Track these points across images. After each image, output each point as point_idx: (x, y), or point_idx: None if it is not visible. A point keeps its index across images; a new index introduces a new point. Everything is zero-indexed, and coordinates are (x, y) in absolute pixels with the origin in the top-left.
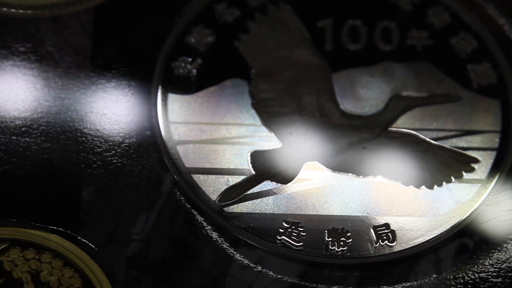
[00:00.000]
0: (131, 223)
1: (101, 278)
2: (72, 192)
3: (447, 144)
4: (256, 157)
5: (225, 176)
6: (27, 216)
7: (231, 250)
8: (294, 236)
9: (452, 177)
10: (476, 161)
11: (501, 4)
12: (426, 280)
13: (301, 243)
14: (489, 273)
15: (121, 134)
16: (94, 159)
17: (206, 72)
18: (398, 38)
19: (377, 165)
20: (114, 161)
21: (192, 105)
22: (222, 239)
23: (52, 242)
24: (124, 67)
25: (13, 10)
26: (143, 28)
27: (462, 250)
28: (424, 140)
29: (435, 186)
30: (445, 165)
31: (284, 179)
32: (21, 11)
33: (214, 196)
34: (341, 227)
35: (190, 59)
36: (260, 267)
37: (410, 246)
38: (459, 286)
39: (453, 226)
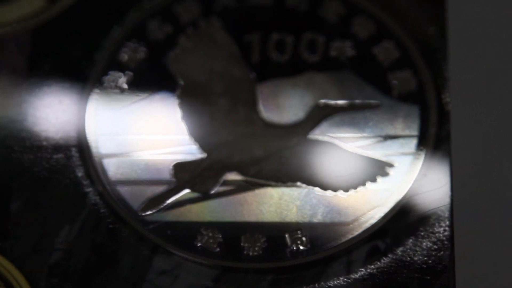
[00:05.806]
0: (55, 233)
1: (24, 287)
2: (0, 204)
3: (365, 149)
4: (179, 168)
5: (149, 187)
6: None
7: (150, 257)
8: (211, 242)
9: (367, 182)
10: (391, 166)
11: (424, 9)
12: (336, 281)
13: (218, 249)
14: (398, 274)
15: (50, 150)
16: (24, 173)
17: (136, 86)
18: (323, 49)
19: (296, 172)
20: (41, 176)
21: (122, 118)
22: (142, 246)
23: None
24: (57, 83)
25: None
26: (77, 47)
27: (374, 253)
28: (341, 147)
29: (351, 190)
30: (361, 171)
31: (204, 188)
32: None
33: (136, 206)
34: (256, 234)
35: (121, 74)
36: (177, 273)
37: (323, 249)
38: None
39: (366, 229)
